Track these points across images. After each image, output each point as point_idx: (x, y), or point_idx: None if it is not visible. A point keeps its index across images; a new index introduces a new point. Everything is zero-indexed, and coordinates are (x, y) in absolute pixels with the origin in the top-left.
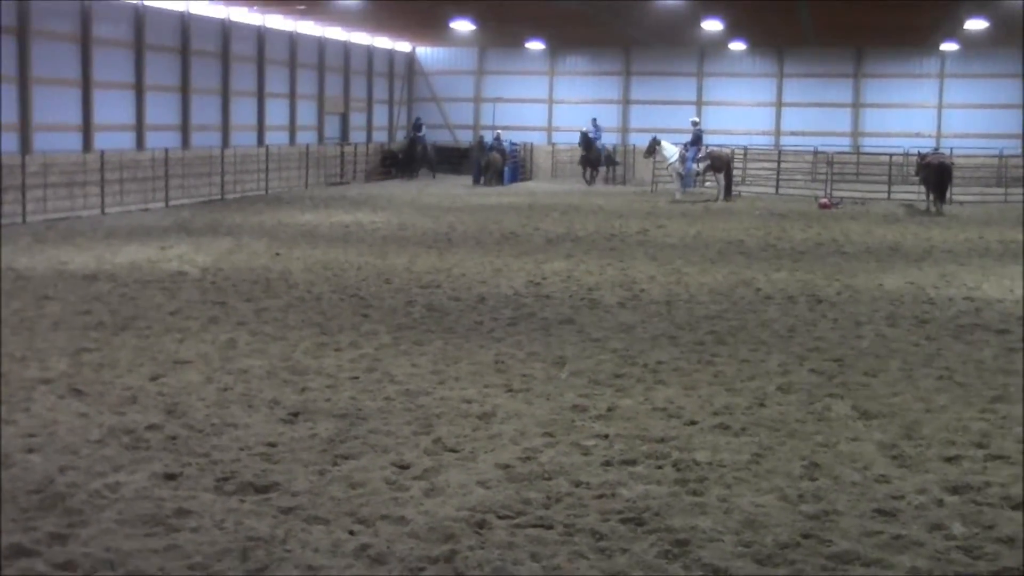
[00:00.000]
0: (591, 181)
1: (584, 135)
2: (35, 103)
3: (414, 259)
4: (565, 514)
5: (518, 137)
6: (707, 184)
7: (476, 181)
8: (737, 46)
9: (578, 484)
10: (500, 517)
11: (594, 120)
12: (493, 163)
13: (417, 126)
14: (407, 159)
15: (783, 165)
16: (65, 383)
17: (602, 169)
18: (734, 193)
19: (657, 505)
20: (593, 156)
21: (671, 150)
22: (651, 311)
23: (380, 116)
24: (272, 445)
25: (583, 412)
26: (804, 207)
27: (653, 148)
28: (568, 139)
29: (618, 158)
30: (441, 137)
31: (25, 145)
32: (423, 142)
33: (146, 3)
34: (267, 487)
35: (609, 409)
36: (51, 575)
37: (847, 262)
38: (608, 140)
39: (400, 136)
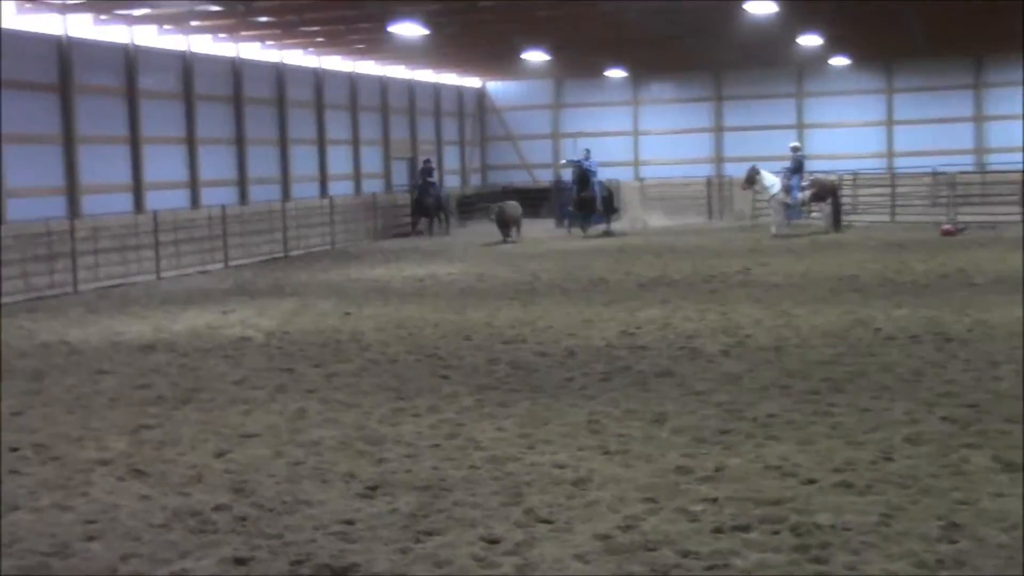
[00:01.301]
0: (585, 228)
1: (579, 168)
2: (82, 163)
3: (495, 313)
4: None
5: (602, 174)
6: (813, 215)
7: (559, 224)
8: (839, 61)
9: (686, 554)
10: None
11: (587, 151)
12: (586, 202)
13: (426, 170)
14: (416, 211)
15: (898, 189)
16: (125, 463)
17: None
18: (844, 223)
19: (776, 575)
20: (589, 196)
21: (771, 180)
22: (758, 359)
23: (451, 159)
24: (349, 523)
25: (688, 474)
26: (924, 235)
27: (753, 178)
28: (657, 173)
29: (616, 202)
30: (518, 177)
31: (73, 209)
32: (435, 190)
33: (194, 50)
34: (345, 569)
35: (716, 469)
36: None
37: (977, 295)
38: (605, 174)
39: (474, 180)
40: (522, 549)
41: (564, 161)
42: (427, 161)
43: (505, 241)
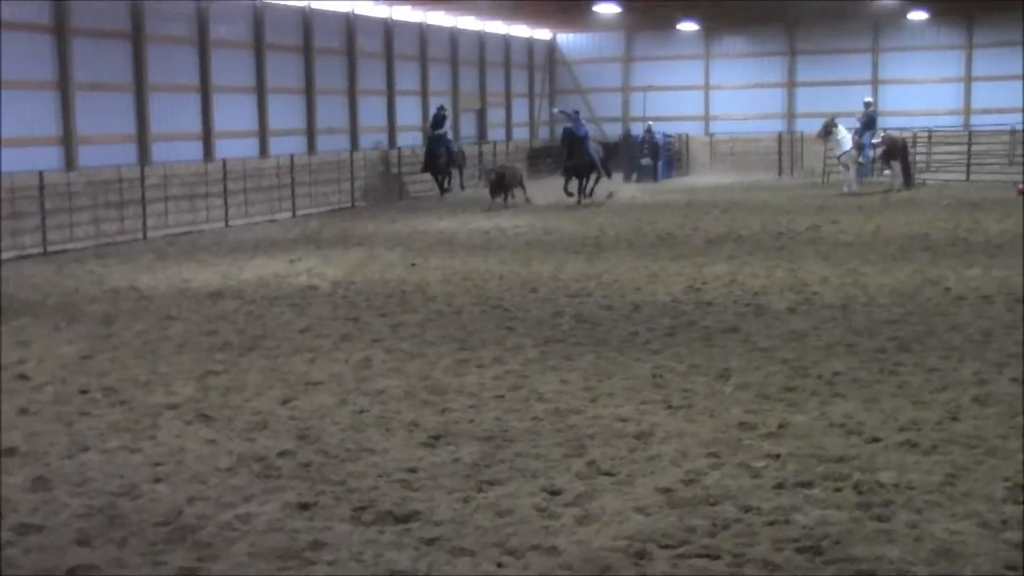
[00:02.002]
0: (580, 196)
1: (567, 131)
2: (153, 111)
3: (561, 266)
4: (733, 543)
5: (672, 128)
6: (886, 173)
7: (627, 178)
8: (917, 16)
9: (747, 509)
10: (661, 546)
11: (576, 112)
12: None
13: (437, 120)
14: (428, 169)
15: (974, 147)
16: (192, 408)
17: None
18: (918, 181)
19: (837, 532)
20: (579, 160)
21: (845, 135)
22: (825, 316)
23: (520, 111)
24: (412, 471)
25: (751, 430)
26: (999, 194)
27: (829, 130)
28: (727, 128)
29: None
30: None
31: (144, 157)
32: (447, 145)
33: (265, 1)
34: (408, 516)
35: (780, 426)
36: None
37: None
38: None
39: (543, 133)
40: (583, 501)
41: (556, 111)
42: (440, 108)
43: (503, 204)
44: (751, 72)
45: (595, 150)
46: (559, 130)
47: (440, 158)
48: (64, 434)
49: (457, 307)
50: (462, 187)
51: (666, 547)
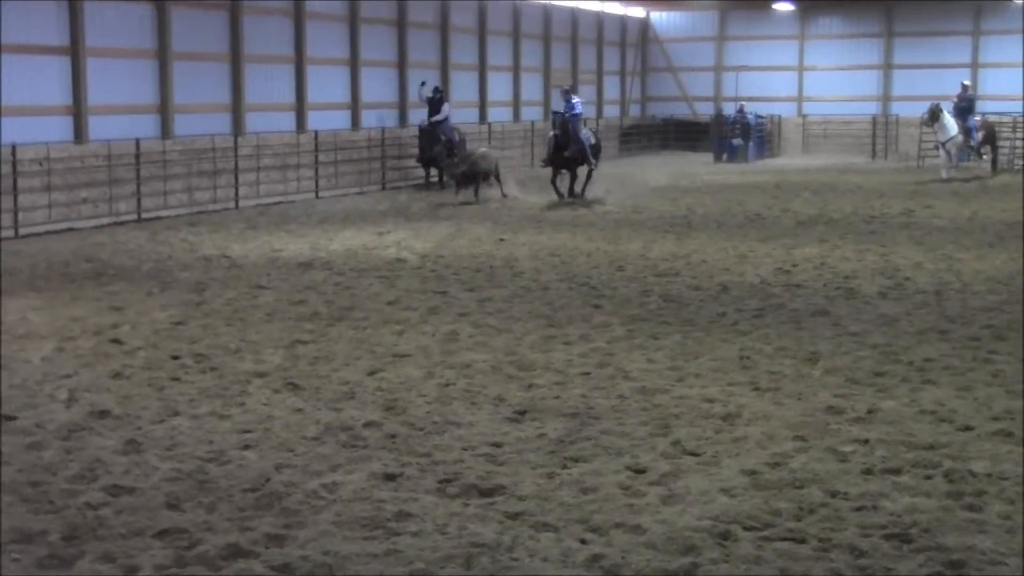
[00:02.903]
0: (566, 193)
1: (559, 116)
2: (247, 82)
3: (649, 245)
4: (819, 527)
5: (764, 109)
6: (984, 158)
7: (718, 158)
8: None
9: (834, 494)
10: (746, 528)
11: (567, 91)
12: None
13: (434, 103)
14: (422, 158)
15: None
16: (280, 376)
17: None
18: (1016, 167)
19: (926, 520)
20: (569, 151)
21: (950, 121)
22: (917, 302)
23: (611, 89)
24: (497, 445)
25: (839, 414)
26: None
27: (936, 115)
28: (820, 110)
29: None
30: (678, 110)
31: (238, 126)
32: (445, 131)
33: None
34: (492, 490)
35: (869, 411)
36: None
37: None
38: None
39: (634, 111)
40: (668, 480)
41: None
42: (436, 90)
43: (473, 199)
44: (847, 53)
45: (587, 137)
46: (651, 107)
47: (436, 148)
48: (156, 399)
49: (544, 283)
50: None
51: (751, 529)
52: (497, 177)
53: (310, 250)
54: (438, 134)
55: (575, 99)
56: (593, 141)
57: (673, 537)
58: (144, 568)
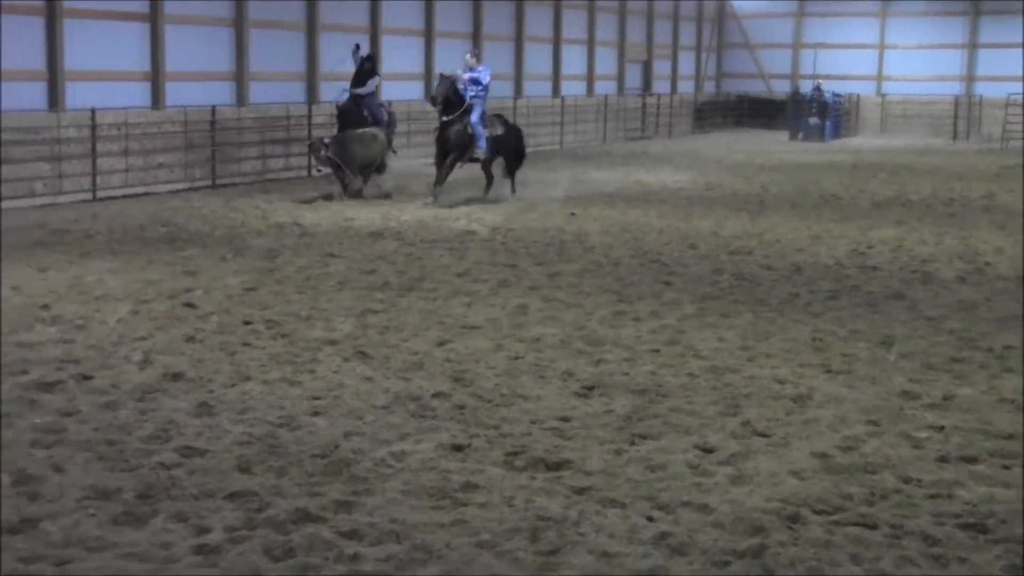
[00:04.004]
0: (440, 181)
1: (449, 90)
2: (322, 51)
3: (722, 222)
4: (891, 513)
5: (842, 87)
6: None
7: (793, 136)
8: None
9: (907, 480)
10: (816, 512)
11: (370, 56)
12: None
13: (361, 75)
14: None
15: None
16: (350, 345)
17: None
18: None
19: (1004, 511)
20: (453, 133)
21: None
22: (997, 288)
23: (686, 64)
24: (565, 420)
25: (914, 399)
26: None
27: None
28: (900, 89)
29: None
30: (754, 87)
31: (312, 95)
32: (371, 108)
33: None
34: (559, 464)
35: (945, 398)
36: (337, 543)
37: None
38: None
39: (708, 88)
40: (737, 460)
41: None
42: (368, 58)
43: (342, 194)
44: (929, 31)
45: (483, 125)
46: (726, 84)
47: (355, 125)
48: (227, 363)
49: (615, 259)
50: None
51: (821, 512)
52: (376, 167)
53: (381, 220)
54: (360, 111)
55: (482, 71)
56: (500, 133)
57: (741, 518)
58: (215, 529)
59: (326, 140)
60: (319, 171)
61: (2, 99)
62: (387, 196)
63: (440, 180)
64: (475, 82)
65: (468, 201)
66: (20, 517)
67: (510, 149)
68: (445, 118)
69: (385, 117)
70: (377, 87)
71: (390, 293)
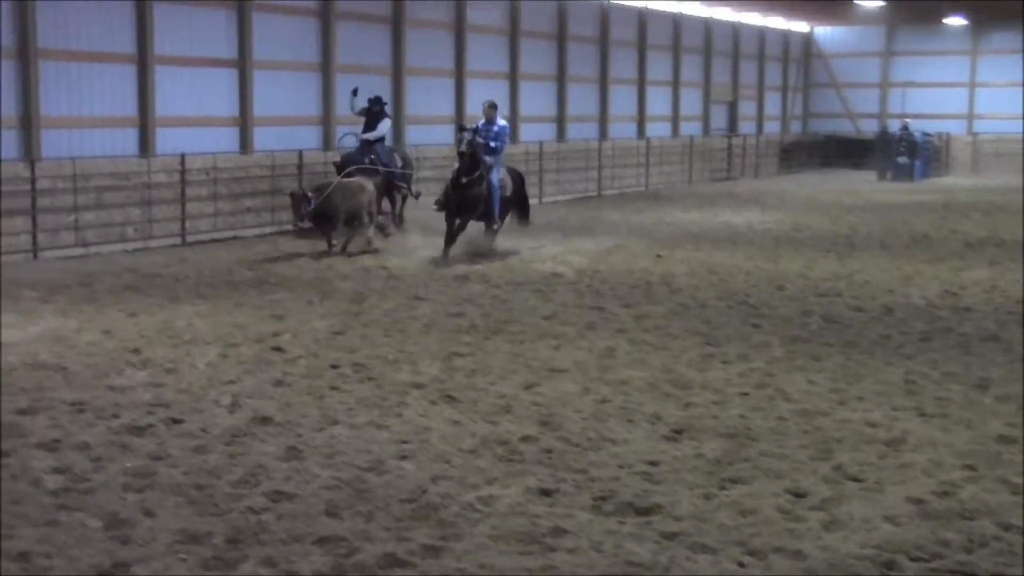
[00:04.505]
0: (450, 243)
1: (465, 141)
2: (408, 94)
3: (810, 264)
4: (992, 561)
5: (931, 126)
6: None
7: (882, 176)
8: None
9: (1007, 527)
10: (912, 559)
11: (490, 105)
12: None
13: (372, 116)
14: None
15: None
16: (437, 388)
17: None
18: None
19: None
20: (476, 194)
21: None
22: None
23: (772, 105)
24: (654, 464)
25: (1012, 444)
26: None
27: None
28: (993, 128)
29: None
30: (841, 127)
31: (398, 138)
32: (381, 155)
33: None
34: (648, 509)
35: None
36: None
37: None
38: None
39: (795, 128)
40: (829, 505)
41: (462, 136)
42: (376, 101)
43: (329, 250)
44: (1022, 69)
45: (498, 177)
46: (812, 124)
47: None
48: (315, 407)
49: (702, 301)
50: (400, 220)
51: (917, 560)
52: (360, 218)
53: (467, 262)
54: (364, 158)
55: (500, 125)
56: (506, 183)
57: (835, 564)
58: (304, 573)
59: (309, 193)
60: (297, 226)
61: (95, 145)
62: (369, 243)
63: (450, 242)
64: (495, 137)
65: (553, 243)
66: (112, 561)
67: (514, 204)
68: (464, 179)
69: (399, 163)
70: (388, 127)
71: (476, 336)
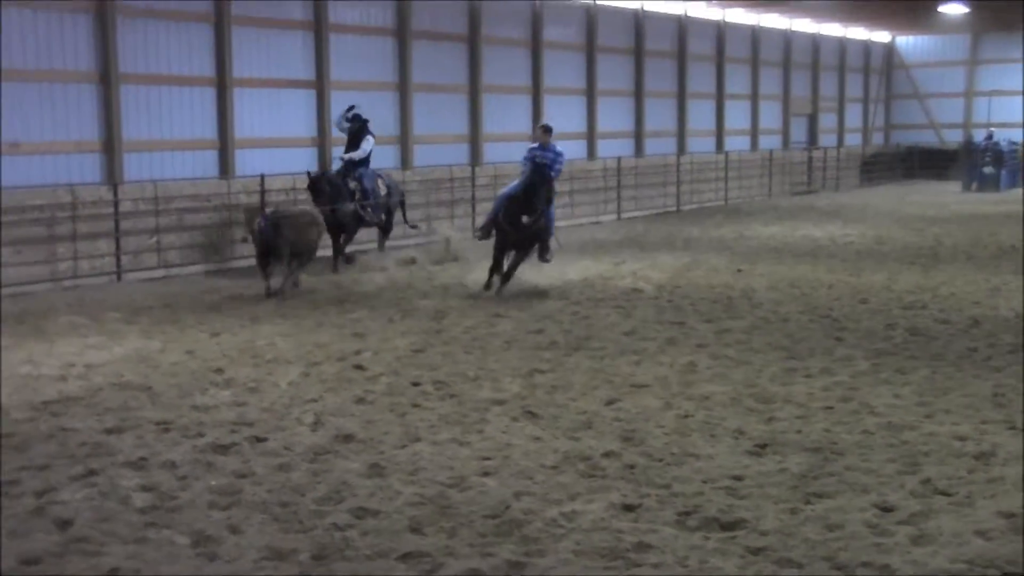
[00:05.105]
0: (494, 274)
1: (534, 164)
2: (485, 112)
3: (894, 276)
4: None
5: (1019, 135)
6: None
7: (966, 187)
8: None
9: None
10: (1005, 574)
11: (544, 129)
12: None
13: (354, 134)
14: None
15: None
16: (519, 405)
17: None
18: None
19: None
20: (530, 230)
21: None
22: None
23: (853, 116)
24: (737, 479)
25: None
26: None
27: None
28: None
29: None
30: (924, 138)
31: (475, 156)
32: (364, 179)
33: (598, 2)
34: (733, 524)
35: None
36: None
37: None
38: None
39: (876, 140)
40: (918, 520)
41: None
42: (356, 118)
43: (269, 292)
44: None
45: (553, 218)
46: (894, 135)
47: (343, 207)
48: (397, 424)
49: (784, 315)
50: (346, 259)
51: (1010, 575)
52: (301, 254)
53: (547, 280)
54: (341, 184)
55: (556, 148)
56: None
57: None
58: None
59: (266, 212)
60: (245, 239)
61: (176, 168)
62: (294, 285)
63: (496, 273)
64: (547, 166)
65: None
66: None
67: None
68: (525, 219)
69: (383, 190)
70: (370, 145)
71: (557, 352)
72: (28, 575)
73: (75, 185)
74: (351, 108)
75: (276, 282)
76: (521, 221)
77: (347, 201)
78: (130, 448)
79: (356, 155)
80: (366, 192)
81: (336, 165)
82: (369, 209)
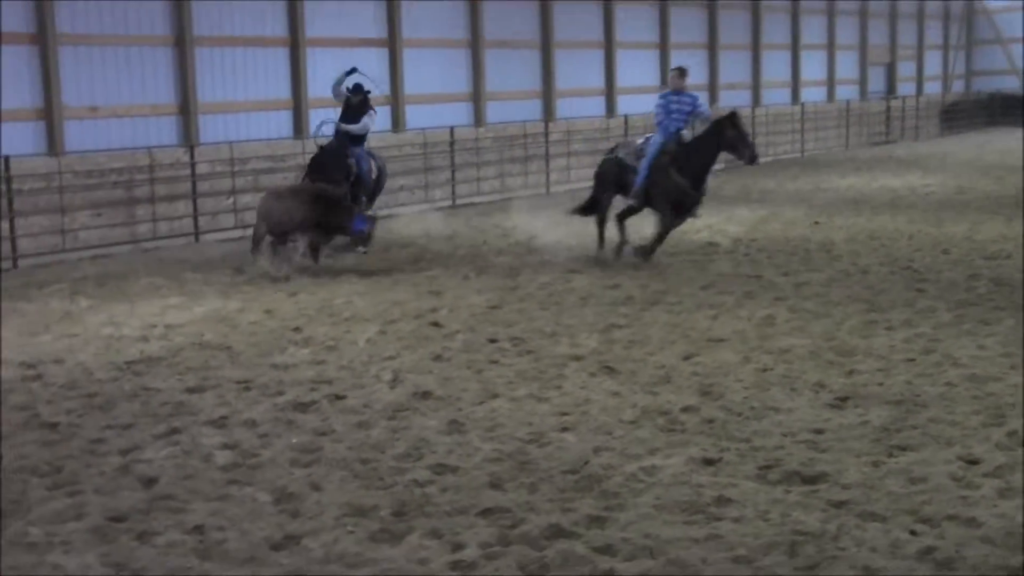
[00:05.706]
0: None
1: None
2: (557, 68)
3: (976, 227)
4: None
5: None
6: None
7: None
8: None
9: None
10: None
11: (680, 72)
12: None
13: (354, 106)
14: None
15: None
16: (596, 360)
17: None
18: None
19: None
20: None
21: None
22: None
23: (932, 64)
24: (818, 432)
25: None
26: None
27: None
28: None
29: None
30: (1006, 84)
31: (548, 112)
32: (358, 156)
33: None
34: (815, 477)
35: None
36: (591, 559)
37: None
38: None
39: (957, 87)
40: (1004, 472)
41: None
42: (357, 88)
43: (278, 271)
44: None
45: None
46: (975, 83)
47: (330, 176)
48: (475, 380)
49: (863, 267)
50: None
51: None
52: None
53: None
54: (341, 159)
55: (694, 96)
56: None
57: (1012, 532)
58: (470, 545)
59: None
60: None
61: (251, 129)
62: (286, 278)
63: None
64: (679, 111)
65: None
66: (284, 534)
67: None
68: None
69: (373, 172)
70: (372, 119)
71: (634, 307)
72: (115, 532)
73: (152, 148)
74: (352, 71)
75: (291, 259)
76: (704, 178)
77: (342, 183)
78: (211, 407)
79: (355, 129)
80: (361, 177)
81: (325, 131)
82: (364, 198)
